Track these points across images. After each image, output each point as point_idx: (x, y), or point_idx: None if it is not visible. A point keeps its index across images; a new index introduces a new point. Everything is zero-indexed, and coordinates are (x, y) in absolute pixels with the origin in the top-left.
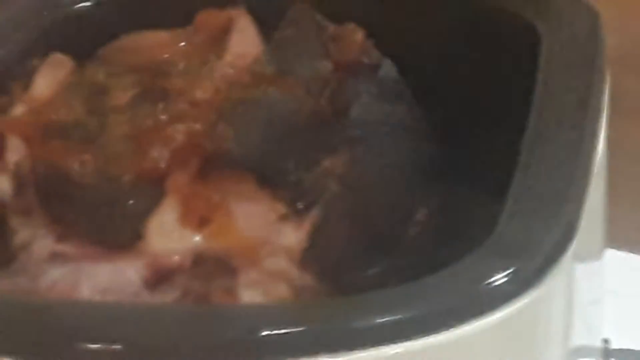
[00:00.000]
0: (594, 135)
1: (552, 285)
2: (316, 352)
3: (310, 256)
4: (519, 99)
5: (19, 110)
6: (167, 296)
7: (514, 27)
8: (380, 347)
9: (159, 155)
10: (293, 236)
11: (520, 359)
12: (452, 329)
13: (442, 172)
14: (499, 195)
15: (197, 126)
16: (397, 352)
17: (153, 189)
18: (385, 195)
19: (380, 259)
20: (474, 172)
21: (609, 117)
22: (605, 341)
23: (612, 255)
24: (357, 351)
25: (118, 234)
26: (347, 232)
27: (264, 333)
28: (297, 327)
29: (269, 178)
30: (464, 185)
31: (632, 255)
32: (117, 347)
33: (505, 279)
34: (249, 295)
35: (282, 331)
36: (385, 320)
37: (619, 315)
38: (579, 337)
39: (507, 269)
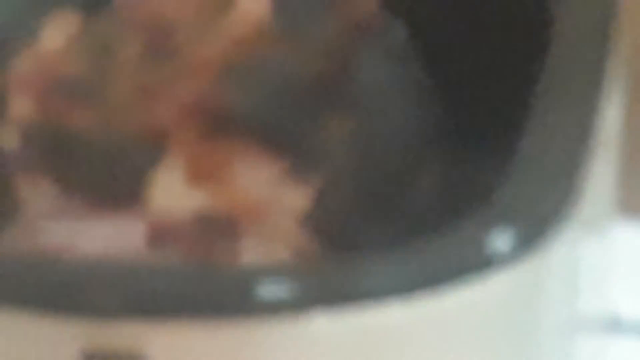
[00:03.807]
0: (601, 108)
1: (554, 249)
2: (310, 308)
3: (313, 218)
4: (529, 69)
5: (24, 65)
6: (168, 254)
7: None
8: (373, 307)
9: (163, 112)
10: (296, 197)
11: (522, 324)
12: (448, 291)
13: (446, 135)
14: (503, 161)
15: (203, 85)
16: (391, 314)
17: (156, 146)
18: (390, 159)
19: (383, 223)
20: (478, 137)
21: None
22: (615, 313)
23: (626, 227)
24: (351, 310)
25: (120, 191)
26: (350, 195)
27: (260, 288)
28: (292, 283)
29: (274, 139)
30: (468, 150)
31: None
32: (119, 303)
33: (504, 241)
34: (251, 254)
35: (278, 286)
36: (378, 281)
37: (630, 288)
38: (585, 308)
39: (506, 231)
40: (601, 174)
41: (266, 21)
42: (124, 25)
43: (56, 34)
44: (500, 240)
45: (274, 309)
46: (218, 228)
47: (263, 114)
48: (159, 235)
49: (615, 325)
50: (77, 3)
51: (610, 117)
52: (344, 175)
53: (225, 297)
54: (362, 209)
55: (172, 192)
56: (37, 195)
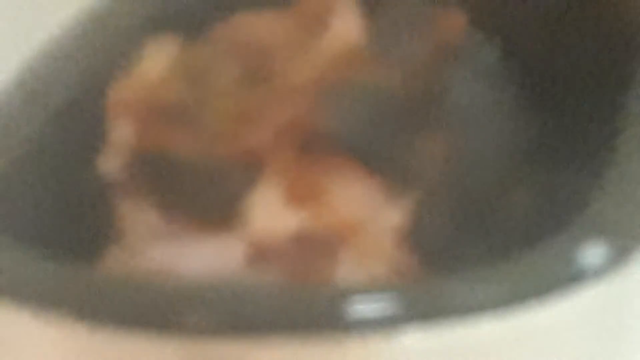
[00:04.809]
0: None
1: None
2: (402, 326)
3: (410, 237)
4: (624, 84)
5: (125, 90)
6: (266, 274)
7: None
8: (465, 324)
9: (260, 135)
10: (393, 216)
11: (612, 338)
12: (540, 306)
13: (540, 152)
14: (596, 177)
15: (298, 107)
16: (484, 330)
17: (254, 168)
18: (484, 176)
19: (479, 240)
20: (571, 153)
21: None
22: None
23: None
24: (443, 326)
25: (220, 212)
26: (446, 212)
27: (352, 306)
28: (384, 301)
29: (369, 158)
30: (561, 166)
31: None
32: (215, 323)
33: (596, 255)
34: (349, 272)
35: (370, 304)
36: (470, 298)
37: None
38: None
39: (597, 245)
40: None
41: (359, 43)
42: (221, 50)
43: (156, 60)
44: (592, 255)
45: (367, 326)
46: (316, 247)
47: (358, 134)
48: (258, 255)
49: None
50: (174, 28)
51: None
52: (439, 193)
53: (319, 316)
54: (458, 226)
55: (270, 212)
56: (138, 218)
